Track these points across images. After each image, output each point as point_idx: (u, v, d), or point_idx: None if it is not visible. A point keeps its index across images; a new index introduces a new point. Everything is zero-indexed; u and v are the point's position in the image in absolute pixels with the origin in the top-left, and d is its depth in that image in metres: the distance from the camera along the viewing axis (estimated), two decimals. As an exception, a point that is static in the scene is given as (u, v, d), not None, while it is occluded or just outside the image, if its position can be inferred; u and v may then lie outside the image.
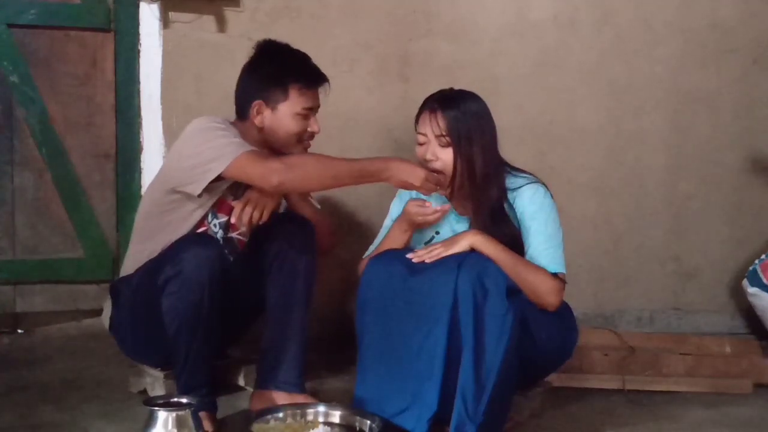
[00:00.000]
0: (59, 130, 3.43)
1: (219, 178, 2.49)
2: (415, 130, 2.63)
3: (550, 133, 3.67)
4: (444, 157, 2.57)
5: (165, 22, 3.36)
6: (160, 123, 3.39)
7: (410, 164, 2.52)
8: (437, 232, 2.69)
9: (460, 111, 2.56)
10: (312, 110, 2.67)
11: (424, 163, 2.59)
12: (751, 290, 3.52)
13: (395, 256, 2.54)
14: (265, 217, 2.60)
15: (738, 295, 3.76)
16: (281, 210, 2.75)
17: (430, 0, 3.57)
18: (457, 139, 2.55)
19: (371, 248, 2.75)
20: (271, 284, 2.66)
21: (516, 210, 2.59)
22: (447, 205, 2.59)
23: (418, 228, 2.65)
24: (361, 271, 2.60)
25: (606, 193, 3.75)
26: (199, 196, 2.52)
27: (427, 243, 2.67)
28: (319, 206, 2.86)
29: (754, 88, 3.80)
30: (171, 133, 3.35)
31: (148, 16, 3.38)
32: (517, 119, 3.51)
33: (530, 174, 2.67)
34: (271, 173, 2.44)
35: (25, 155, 3.41)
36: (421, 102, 2.64)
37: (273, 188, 2.49)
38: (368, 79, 3.52)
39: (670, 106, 3.76)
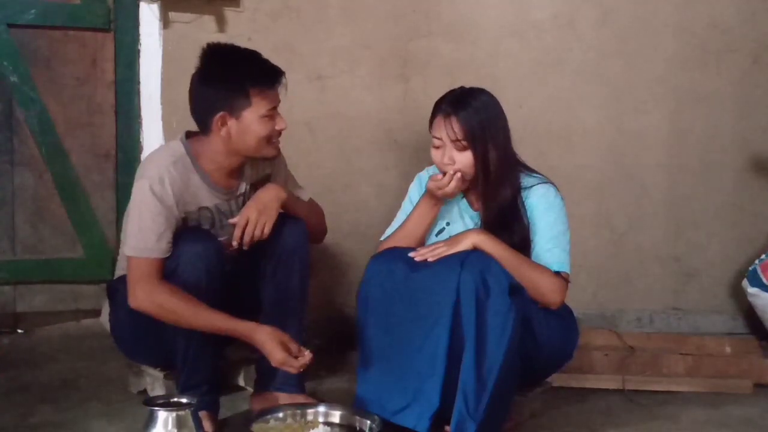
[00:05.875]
0: (59, 130, 3.42)
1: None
2: (429, 132, 2.63)
3: (550, 133, 3.67)
4: (460, 160, 2.57)
5: (165, 22, 3.36)
6: (160, 123, 3.39)
7: (274, 342, 2.42)
8: (447, 223, 2.70)
9: (473, 112, 2.56)
10: (275, 109, 2.59)
11: (441, 167, 2.59)
12: (751, 290, 3.51)
13: (397, 254, 2.54)
14: (266, 233, 2.57)
15: (738, 295, 3.76)
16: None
17: (430, 0, 3.56)
18: (473, 141, 2.55)
19: (389, 231, 2.75)
20: (266, 286, 2.66)
21: (526, 208, 2.60)
22: (458, 173, 2.56)
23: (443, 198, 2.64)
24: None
25: (606, 193, 3.75)
26: None
27: (438, 234, 2.68)
28: (305, 197, 2.82)
29: (754, 88, 3.79)
30: (171, 133, 3.34)
31: (148, 16, 3.37)
32: (517, 119, 3.49)
33: (543, 175, 2.68)
34: (136, 298, 2.43)
35: (25, 155, 3.41)
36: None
37: (130, 305, 2.46)
38: (368, 79, 3.52)
39: (670, 106, 3.75)
